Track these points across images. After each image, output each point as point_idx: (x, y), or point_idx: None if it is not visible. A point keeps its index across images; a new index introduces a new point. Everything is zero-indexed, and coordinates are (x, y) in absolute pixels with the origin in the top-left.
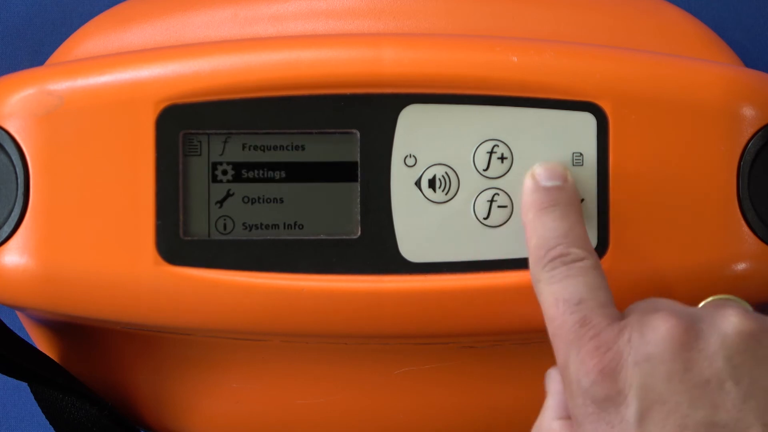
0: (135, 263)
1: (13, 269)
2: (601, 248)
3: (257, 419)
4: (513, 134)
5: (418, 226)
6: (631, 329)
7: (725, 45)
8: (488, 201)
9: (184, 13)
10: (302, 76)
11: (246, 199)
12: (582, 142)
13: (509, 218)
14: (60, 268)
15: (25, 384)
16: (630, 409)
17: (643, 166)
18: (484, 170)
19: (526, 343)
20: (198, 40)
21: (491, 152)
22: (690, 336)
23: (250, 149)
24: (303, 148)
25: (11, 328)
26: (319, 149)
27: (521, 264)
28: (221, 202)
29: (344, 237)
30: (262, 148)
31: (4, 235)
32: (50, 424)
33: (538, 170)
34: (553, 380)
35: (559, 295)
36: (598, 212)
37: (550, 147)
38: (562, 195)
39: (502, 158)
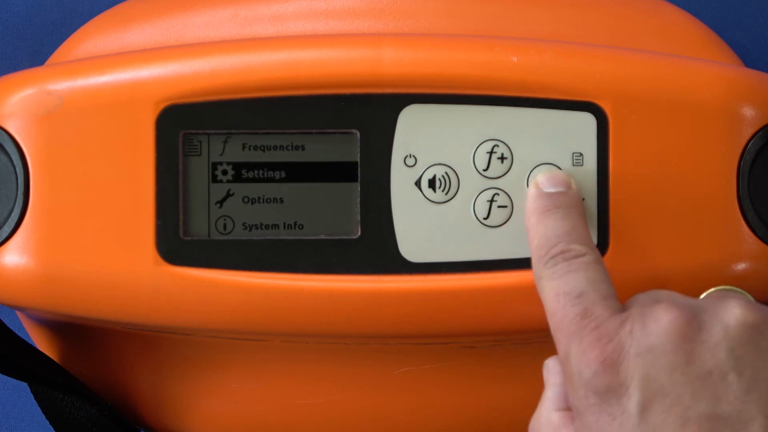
0: (135, 263)
1: (13, 269)
2: (601, 248)
3: (257, 419)
4: (513, 134)
5: (418, 226)
6: (632, 320)
7: (725, 45)
8: (488, 201)
9: (184, 13)
10: (302, 76)
11: (246, 199)
12: (582, 142)
13: (509, 218)
14: (60, 268)
15: (25, 384)
16: (632, 401)
17: (643, 166)
18: (484, 170)
19: (526, 343)
20: (198, 40)
21: (491, 152)
22: (692, 327)
23: (250, 149)
24: (303, 148)
25: (11, 328)
26: (319, 149)
27: (521, 264)
28: (221, 202)
29: (344, 237)
30: (262, 148)
31: (4, 235)
32: (50, 424)
33: (541, 179)
34: (551, 372)
35: (560, 289)
36: (598, 212)
37: (550, 147)
38: (564, 199)
39: (502, 158)
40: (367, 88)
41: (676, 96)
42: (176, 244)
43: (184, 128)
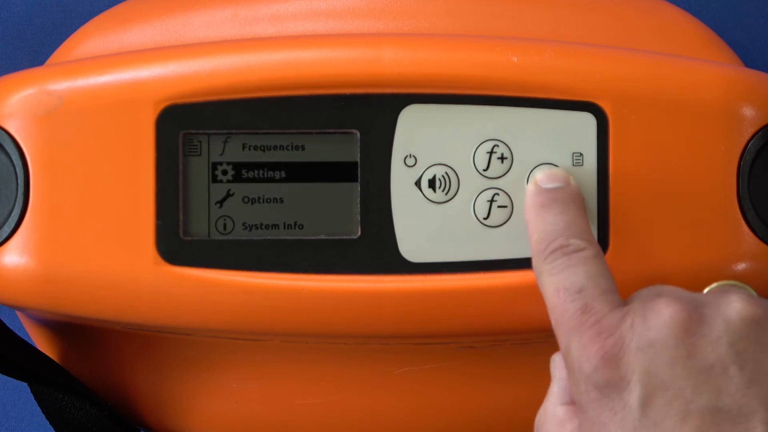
0: (135, 263)
1: (13, 269)
2: (601, 248)
3: (257, 419)
4: (513, 134)
5: (418, 226)
6: (633, 315)
7: (725, 45)
8: (488, 201)
9: (184, 13)
10: (302, 76)
11: (246, 199)
12: (582, 142)
13: (509, 218)
14: (60, 268)
15: (25, 384)
16: (633, 395)
17: (643, 166)
18: (484, 170)
19: (526, 343)
20: (198, 40)
21: (491, 152)
22: (693, 321)
23: (250, 149)
24: (303, 148)
25: (11, 328)
26: (319, 149)
27: (521, 264)
28: (221, 202)
29: (344, 237)
30: (262, 148)
31: (4, 235)
32: (50, 424)
33: (540, 175)
34: (557, 366)
35: (560, 285)
36: (598, 212)
37: (550, 147)
38: (562, 193)
39: (502, 158)
40: (367, 88)
41: (676, 96)
42: (176, 244)
43: (184, 128)
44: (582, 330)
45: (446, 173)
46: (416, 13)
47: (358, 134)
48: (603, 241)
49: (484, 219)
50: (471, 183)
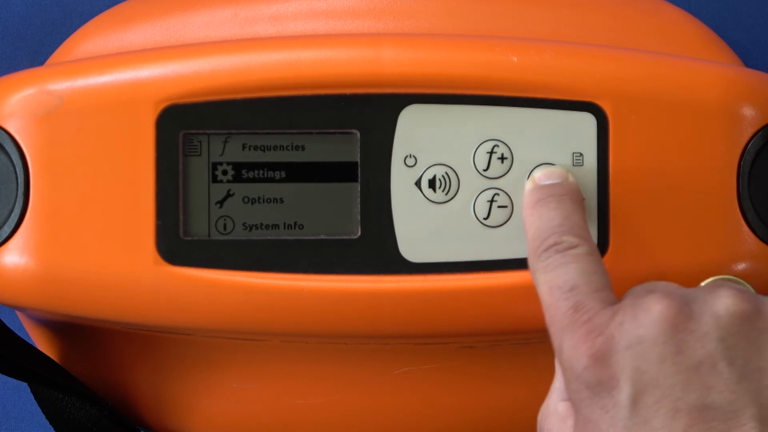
0: (135, 263)
1: (13, 269)
2: (601, 248)
3: (257, 419)
4: (513, 134)
5: (418, 226)
6: (624, 312)
7: (725, 45)
8: (488, 201)
9: (184, 13)
10: (302, 76)
11: (246, 199)
12: (582, 142)
13: (509, 218)
14: (60, 268)
15: (25, 384)
16: (623, 394)
17: (643, 166)
18: (484, 170)
19: (526, 343)
20: (198, 40)
21: (491, 152)
22: (682, 317)
23: (250, 149)
24: (303, 148)
25: (11, 328)
26: (319, 149)
27: (521, 264)
28: (221, 202)
29: (344, 237)
30: (262, 148)
31: (4, 235)
32: (50, 424)
33: (538, 173)
34: None
35: (553, 283)
36: (598, 212)
37: (550, 147)
38: (557, 189)
39: (502, 158)
40: (367, 88)
41: (676, 96)
42: (176, 244)
43: (184, 128)
44: (573, 328)
45: (446, 173)
46: (416, 13)
47: (358, 134)
48: (603, 240)
49: (484, 219)
50: (471, 183)
